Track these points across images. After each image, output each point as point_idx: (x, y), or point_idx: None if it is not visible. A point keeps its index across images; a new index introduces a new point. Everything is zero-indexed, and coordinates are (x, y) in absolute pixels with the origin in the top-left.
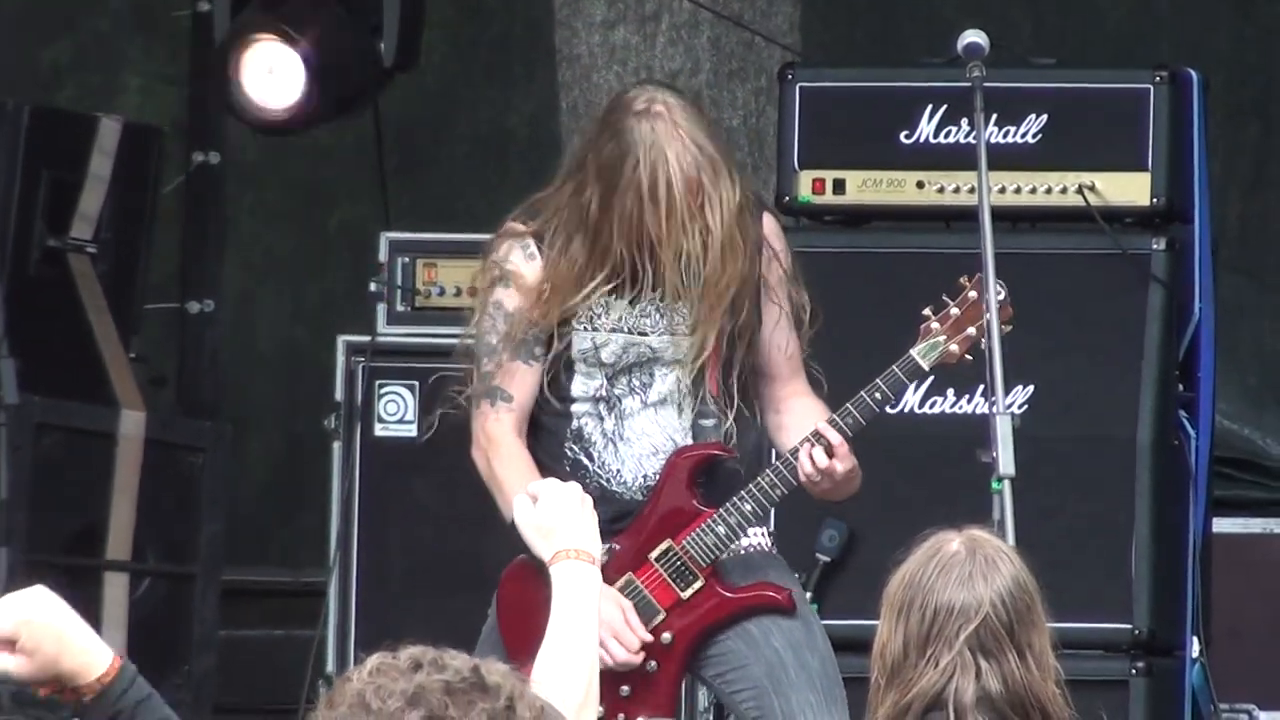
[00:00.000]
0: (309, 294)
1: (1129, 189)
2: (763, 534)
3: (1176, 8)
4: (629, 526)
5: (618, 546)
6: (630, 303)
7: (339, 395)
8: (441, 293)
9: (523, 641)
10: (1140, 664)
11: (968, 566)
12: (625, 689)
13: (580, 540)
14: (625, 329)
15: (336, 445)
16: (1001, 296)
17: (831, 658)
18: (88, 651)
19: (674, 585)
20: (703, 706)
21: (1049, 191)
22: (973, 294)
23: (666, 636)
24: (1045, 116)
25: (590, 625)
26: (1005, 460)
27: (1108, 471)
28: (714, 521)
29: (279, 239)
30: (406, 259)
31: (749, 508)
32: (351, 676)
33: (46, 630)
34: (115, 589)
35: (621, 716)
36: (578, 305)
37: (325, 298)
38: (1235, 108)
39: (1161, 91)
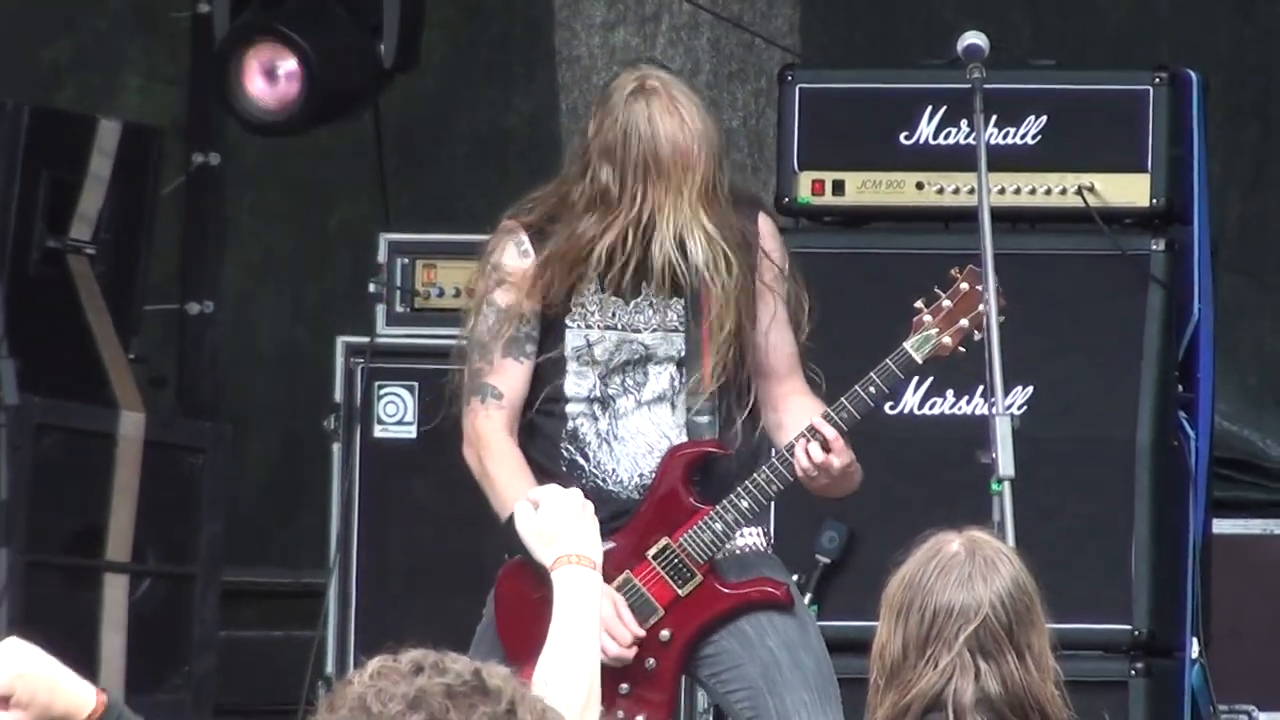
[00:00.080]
0: (308, 295)
1: (1128, 190)
2: (758, 534)
3: (1176, 9)
4: (626, 525)
5: (615, 545)
6: (624, 299)
7: (338, 396)
8: (441, 294)
9: (521, 641)
10: (1140, 665)
11: (967, 568)
12: (624, 686)
13: (581, 546)
14: (619, 326)
15: (336, 446)
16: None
17: (826, 657)
18: (77, 694)
19: (672, 583)
20: (702, 707)
21: (1048, 192)
22: (964, 286)
23: (665, 634)
24: (1045, 118)
25: (592, 630)
26: (1005, 461)
27: (1107, 472)
28: (711, 518)
29: (278, 240)
30: (406, 260)
31: (746, 504)
32: (352, 679)
33: (39, 681)
34: (115, 590)
35: (621, 714)
36: (579, 283)
37: (325, 298)
38: (1235, 108)
39: (1161, 93)
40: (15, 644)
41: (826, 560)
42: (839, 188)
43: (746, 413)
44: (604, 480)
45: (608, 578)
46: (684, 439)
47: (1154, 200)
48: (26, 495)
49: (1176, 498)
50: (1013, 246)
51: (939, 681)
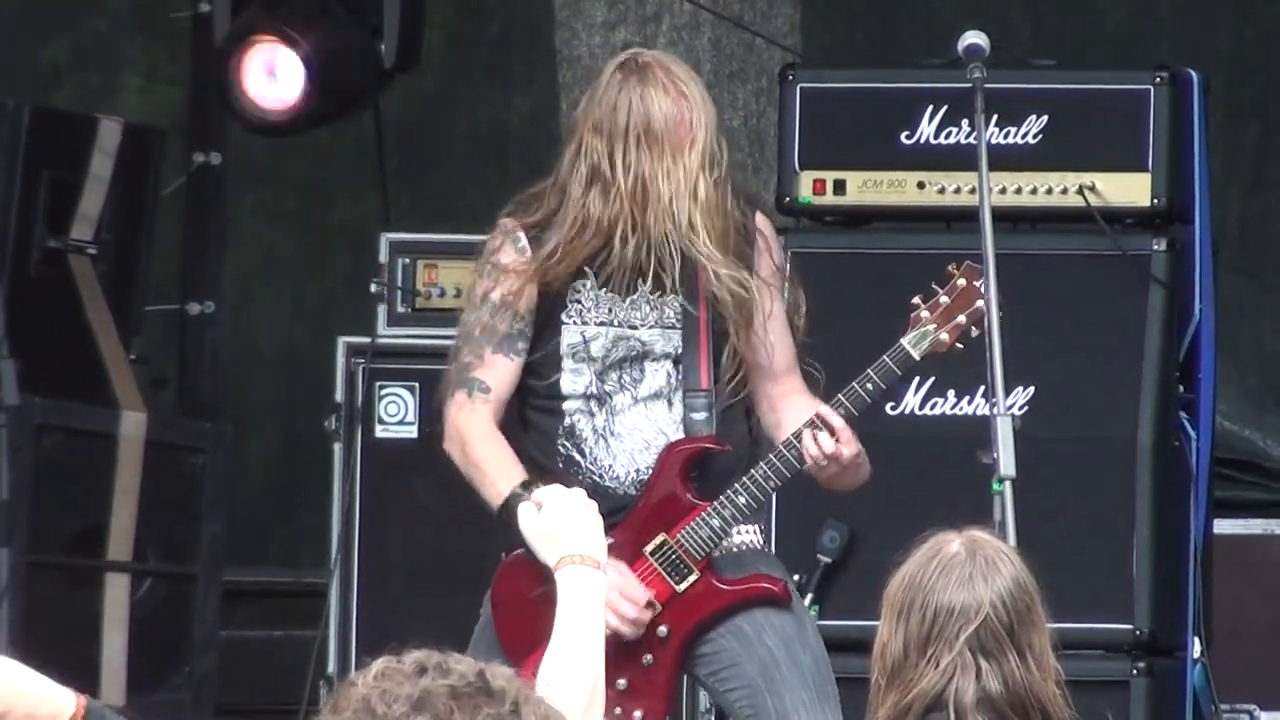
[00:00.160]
0: (309, 295)
1: (1129, 190)
2: (754, 532)
3: (1176, 8)
4: (623, 521)
5: (612, 541)
6: (621, 296)
7: (339, 396)
8: (442, 294)
9: (520, 640)
10: (1141, 664)
11: (968, 567)
12: (622, 682)
13: (585, 546)
14: (615, 322)
15: (337, 446)
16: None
17: (824, 654)
18: (55, 700)
19: (669, 579)
20: (704, 707)
21: (1049, 192)
22: (962, 282)
23: (663, 630)
24: (1045, 117)
25: (596, 630)
26: (1006, 461)
27: (1108, 472)
28: (708, 514)
29: (279, 240)
30: (407, 260)
31: (743, 500)
32: (356, 681)
33: (11, 694)
34: (116, 590)
35: (619, 710)
36: (583, 268)
37: (325, 298)
38: (1235, 108)
39: (1161, 92)
40: None
41: (828, 560)
42: (840, 187)
43: (743, 410)
44: (601, 476)
45: None
46: (681, 435)
47: (1155, 200)
48: (27, 495)
49: (1177, 498)
50: (1014, 246)
51: (940, 681)
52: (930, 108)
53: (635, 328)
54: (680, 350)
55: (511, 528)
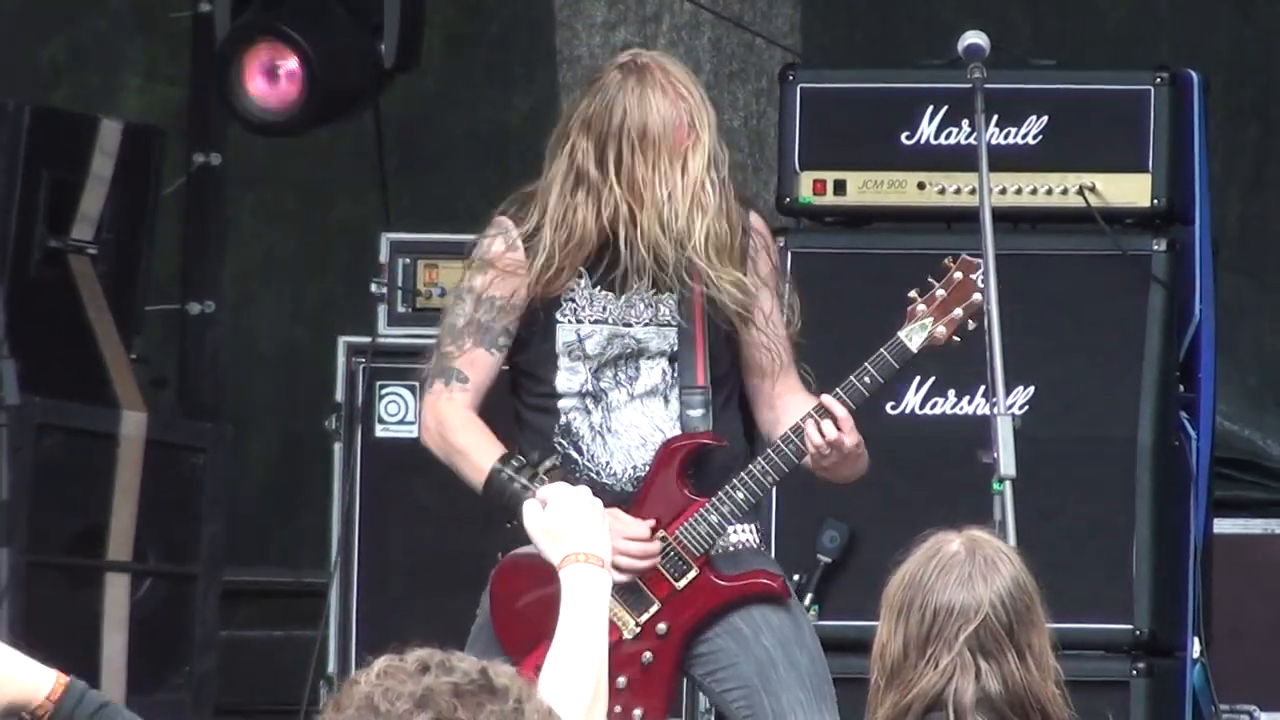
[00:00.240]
0: (309, 295)
1: (1129, 190)
2: (751, 531)
3: (1176, 9)
4: None
5: None
6: (615, 294)
7: (339, 396)
8: (443, 294)
9: (518, 639)
10: (1141, 665)
11: (967, 567)
12: (622, 680)
13: (590, 544)
14: (610, 320)
15: (337, 446)
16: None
17: (820, 654)
18: (29, 677)
19: (668, 575)
20: (704, 707)
21: (1050, 192)
22: (958, 275)
23: (661, 627)
24: (1046, 118)
25: (600, 628)
26: (1006, 461)
27: (1108, 472)
28: (706, 511)
29: (279, 240)
30: (407, 260)
31: (741, 495)
32: (359, 679)
33: None
34: (116, 590)
35: (619, 708)
36: (581, 268)
37: (326, 298)
38: (1235, 108)
39: (1162, 92)
40: None
41: (827, 560)
42: (840, 188)
43: (739, 407)
44: (598, 474)
45: None
46: (677, 432)
47: (1155, 200)
48: (28, 495)
49: (1177, 498)
50: (1014, 247)
51: (939, 681)
52: (930, 108)
53: (630, 325)
54: (676, 348)
55: (495, 504)
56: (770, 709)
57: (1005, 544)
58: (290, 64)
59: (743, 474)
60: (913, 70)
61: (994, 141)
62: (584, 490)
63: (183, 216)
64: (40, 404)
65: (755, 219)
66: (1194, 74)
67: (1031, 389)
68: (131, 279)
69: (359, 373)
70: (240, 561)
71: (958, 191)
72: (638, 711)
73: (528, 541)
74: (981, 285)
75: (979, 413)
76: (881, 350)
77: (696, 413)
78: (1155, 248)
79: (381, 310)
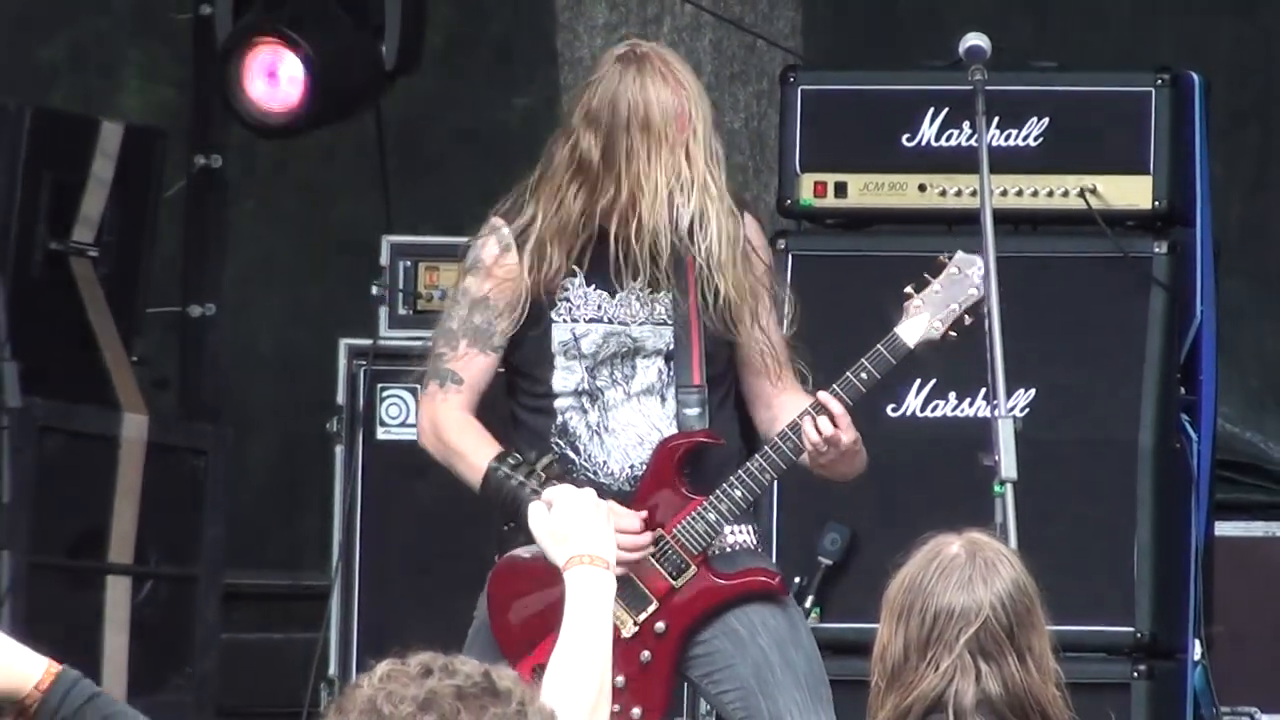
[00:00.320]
0: (310, 297)
1: (1130, 192)
2: (748, 531)
3: (1177, 10)
4: None
5: None
6: (610, 293)
7: (340, 398)
8: (443, 296)
9: (517, 641)
10: (1142, 667)
11: (968, 570)
12: (620, 679)
13: (594, 546)
14: (605, 319)
15: (338, 448)
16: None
17: (816, 654)
18: (20, 666)
19: (666, 574)
20: (704, 709)
21: (1050, 194)
22: (954, 271)
23: (660, 625)
24: (1047, 119)
25: (604, 629)
26: (1007, 463)
27: (1109, 475)
28: (704, 509)
29: (280, 242)
30: (408, 262)
31: (739, 494)
32: (362, 683)
33: None
34: (117, 592)
35: (617, 707)
36: (571, 265)
37: (326, 301)
38: (1236, 110)
39: (1163, 94)
40: None
41: (828, 562)
42: (841, 190)
43: (735, 407)
44: (595, 473)
45: None
46: (674, 431)
47: (1156, 202)
48: (29, 497)
49: (1178, 500)
50: (1015, 249)
51: (940, 683)
52: (931, 110)
53: (626, 324)
54: (672, 346)
55: (493, 503)
56: (766, 711)
57: (1005, 546)
58: (292, 66)
59: (740, 472)
60: (914, 72)
61: (995, 143)
62: (589, 492)
63: (184, 219)
64: (41, 406)
65: (750, 220)
66: (1195, 76)
67: (1032, 391)
68: (132, 281)
69: (360, 375)
70: (241, 564)
71: (959, 193)
72: (636, 711)
73: (525, 543)
74: (978, 281)
75: (980, 415)
76: (878, 346)
77: (693, 411)
78: (1156, 250)
79: (382, 312)
